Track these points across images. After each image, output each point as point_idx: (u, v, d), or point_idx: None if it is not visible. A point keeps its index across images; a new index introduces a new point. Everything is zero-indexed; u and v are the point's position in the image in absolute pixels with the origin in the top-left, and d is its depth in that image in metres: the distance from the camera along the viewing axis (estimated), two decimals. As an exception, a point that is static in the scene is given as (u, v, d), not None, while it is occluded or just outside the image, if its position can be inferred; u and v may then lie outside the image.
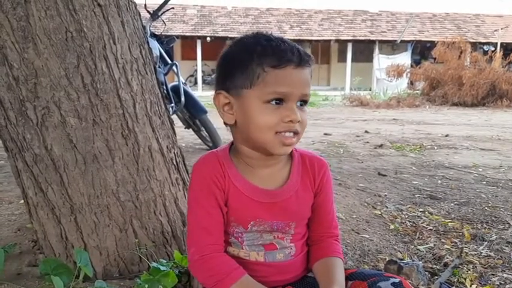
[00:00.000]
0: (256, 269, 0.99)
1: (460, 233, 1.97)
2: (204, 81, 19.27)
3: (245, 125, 0.93)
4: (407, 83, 15.01)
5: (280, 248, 1.03)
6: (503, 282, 1.50)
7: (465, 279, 1.51)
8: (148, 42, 1.54)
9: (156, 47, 3.48)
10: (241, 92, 0.91)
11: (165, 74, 3.63)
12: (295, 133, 0.92)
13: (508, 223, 2.12)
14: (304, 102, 0.93)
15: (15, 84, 1.24)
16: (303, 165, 1.04)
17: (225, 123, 0.99)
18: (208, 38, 18.01)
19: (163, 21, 3.97)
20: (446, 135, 5.58)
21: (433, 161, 3.85)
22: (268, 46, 0.90)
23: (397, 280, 0.93)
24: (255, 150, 0.96)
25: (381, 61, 17.88)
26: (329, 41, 19.17)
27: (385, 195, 2.62)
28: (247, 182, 0.98)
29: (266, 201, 0.99)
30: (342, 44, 19.72)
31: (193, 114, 3.90)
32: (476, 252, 1.76)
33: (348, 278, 0.99)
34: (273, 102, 0.89)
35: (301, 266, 1.07)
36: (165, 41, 3.87)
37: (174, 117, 3.61)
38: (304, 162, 1.04)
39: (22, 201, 1.70)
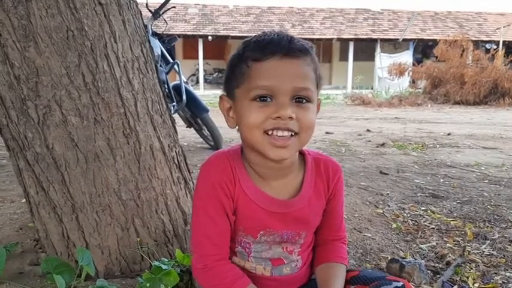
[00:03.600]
0: (261, 283, 0.95)
1: (463, 232, 1.97)
2: (205, 80, 19.28)
3: (240, 126, 0.89)
4: (409, 82, 15.00)
5: (288, 262, 1.00)
6: (506, 281, 1.49)
7: (468, 278, 1.51)
8: (149, 41, 1.54)
9: (157, 46, 3.48)
10: (234, 92, 0.88)
11: (167, 73, 3.63)
12: (293, 134, 0.84)
13: (511, 221, 2.12)
14: (302, 98, 0.84)
15: (17, 83, 1.23)
16: (317, 170, 0.98)
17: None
18: (209, 37, 18.00)
19: (164, 20, 3.97)
20: (449, 134, 5.56)
21: (435, 159, 3.84)
22: (254, 41, 0.85)
23: (399, 284, 0.90)
24: (258, 155, 0.89)
25: (383, 60, 17.84)
26: (331, 39, 19.14)
27: (387, 194, 2.61)
28: (258, 190, 0.92)
29: (278, 211, 0.93)
30: (344, 42, 19.69)
31: (194, 113, 3.90)
32: (478, 251, 1.75)
33: (350, 282, 0.97)
34: (258, 100, 0.82)
35: (306, 275, 1.04)
36: (166, 40, 3.87)
37: (176, 116, 3.61)
38: (318, 167, 0.98)
39: (24, 200, 1.70)
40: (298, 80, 0.83)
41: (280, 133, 0.83)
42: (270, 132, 0.83)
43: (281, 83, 0.82)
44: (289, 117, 0.82)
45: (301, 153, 0.99)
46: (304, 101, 0.85)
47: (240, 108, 0.86)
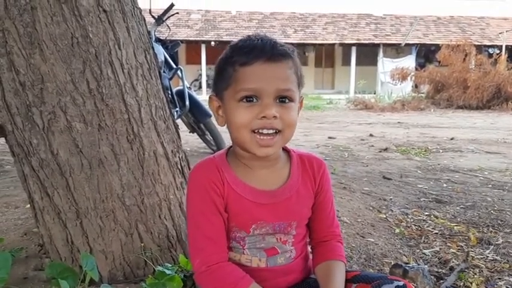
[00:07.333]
0: (257, 275, 0.98)
1: (466, 237, 1.96)
2: (208, 86, 19.27)
3: (228, 125, 0.95)
4: (412, 86, 14.99)
5: (282, 252, 1.03)
6: (509, 287, 1.49)
7: (471, 283, 1.50)
8: (153, 47, 1.55)
9: (160, 52, 3.50)
10: (223, 94, 0.94)
11: (170, 79, 3.65)
12: (277, 132, 0.91)
13: (515, 227, 2.11)
14: (285, 98, 0.91)
15: (22, 90, 1.25)
16: (302, 165, 1.04)
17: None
18: (212, 43, 18.07)
19: (167, 26, 3.99)
20: (452, 139, 5.55)
21: (439, 164, 3.83)
22: (240, 46, 0.92)
23: (401, 283, 0.92)
24: (244, 151, 0.96)
25: (386, 64, 17.84)
26: (333, 44, 19.17)
27: (390, 198, 2.61)
28: (246, 185, 0.98)
29: (267, 203, 0.98)
30: (346, 47, 19.71)
31: (197, 118, 3.91)
32: (482, 256, 1.75)
33: (352, 280, 0.99)
34: (245, 100, 0.90)
35: (301, 266, 1.07)
36: (169, 45, 3.89)
37: (179, 121, 3.63)
38: (303, 163, 1.04)
39: (28, 205, 1.71)
40: (281, 82, 0.90)
41: (265, 131, 0.90)
42: (256, 131, 0.90)
43: (265, 85, 0.89)
44: (274, 117, 0.89)
45: (287, 151, 1.06)
46: (287, 100, 0.92)
47: (228, 109, 0.93)
